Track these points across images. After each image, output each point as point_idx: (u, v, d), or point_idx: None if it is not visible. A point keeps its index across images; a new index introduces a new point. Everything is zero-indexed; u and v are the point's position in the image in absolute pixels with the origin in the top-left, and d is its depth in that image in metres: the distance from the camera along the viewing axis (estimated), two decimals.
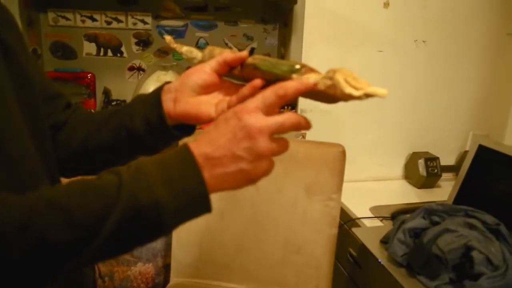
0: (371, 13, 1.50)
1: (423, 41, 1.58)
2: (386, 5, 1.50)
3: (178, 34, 1.41)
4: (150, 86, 1.32)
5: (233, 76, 0.58)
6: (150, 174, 0.41)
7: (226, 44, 1.45)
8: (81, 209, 0.39)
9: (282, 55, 1.44)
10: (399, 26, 1.54)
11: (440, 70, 1.64)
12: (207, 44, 1.43)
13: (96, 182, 0.42)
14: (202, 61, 0.61)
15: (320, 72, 0.47)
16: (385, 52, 1.55)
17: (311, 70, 0.48)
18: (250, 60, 0.54)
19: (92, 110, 1.34)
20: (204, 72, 0.55)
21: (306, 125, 0.46)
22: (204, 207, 0.43)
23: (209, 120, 0.55)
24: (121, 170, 0.42)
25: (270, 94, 0.44)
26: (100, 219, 0.39)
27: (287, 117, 0.44)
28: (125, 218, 0.39)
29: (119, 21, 1.36)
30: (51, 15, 1.30)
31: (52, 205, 0.39)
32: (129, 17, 1.36)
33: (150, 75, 1.33)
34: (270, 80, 0.51)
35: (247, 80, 0.54)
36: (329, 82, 0.44)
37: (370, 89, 0.41)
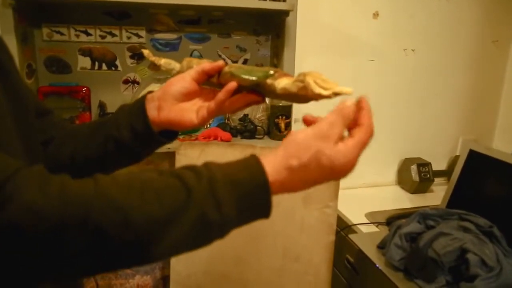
0: (361, 24, 1.53)
1: (412, 50, 1.61)
2: (376, 15, 1.54)
3: (172, 47, 1.42)
4: None
5: (211, 84, 0.62)
6: (222, 194, 0.42)
7: (220, 56, 1.47)
8: (142, 213, 0.40)
9: (275, 66, 1.46)
10: (388, 35, 1.57)
11: (429, 77, 1.67)
12: (201, 56, 1.45)
13: (159, 185, 0.42)
14: (180, 72, 0.65)
15: (292, 76, 0.51)
16: (376, 61, 1.58)
17: (284, 74, 0.52)
18: (226, 68, 0.58)
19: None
20: (185, 81, 0.59)
21: None
22: (263, 217, 0.46)
23: (191, 126, 0.59)
24: (189, 180, 0.43)
25: (340, 125, 0.46)
26: (164, 227, 0.40)
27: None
28: (190, 231, 0.42)
29: (113, 35, 1.37)
30: (45, 31, 1.31)
31: (111, 203, 0.40)
32: (123, 31, 1.37)
33: (145, 88, 1.34)
34: (246, 86, 0.55)
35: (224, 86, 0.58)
36: (300, 85, 0.48)
37: (337, 89, 0.45)
